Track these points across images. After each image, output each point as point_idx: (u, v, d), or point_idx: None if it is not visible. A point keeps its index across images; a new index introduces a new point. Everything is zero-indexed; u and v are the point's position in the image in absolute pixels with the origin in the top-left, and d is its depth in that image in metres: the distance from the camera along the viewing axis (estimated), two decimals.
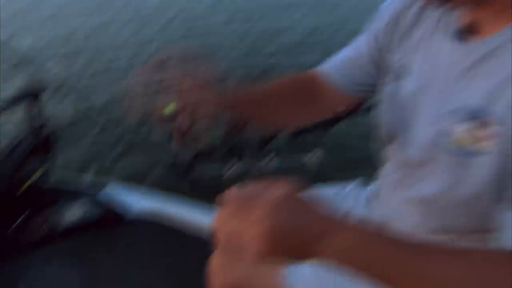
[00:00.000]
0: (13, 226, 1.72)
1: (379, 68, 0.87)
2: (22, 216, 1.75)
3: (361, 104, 1.08)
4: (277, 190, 0.56)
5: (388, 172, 0.90)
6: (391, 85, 0.83)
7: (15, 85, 2.02)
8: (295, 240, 0.53)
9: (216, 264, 0.91)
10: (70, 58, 5.93)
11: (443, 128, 0.68)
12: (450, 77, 0.70)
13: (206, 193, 0.72)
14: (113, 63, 5.72)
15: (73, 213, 1.79)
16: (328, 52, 0.98)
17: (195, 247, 1.68)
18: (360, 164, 3.01)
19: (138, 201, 1.90)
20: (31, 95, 1.98)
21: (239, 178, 1.68)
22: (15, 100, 1.93)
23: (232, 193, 0.59)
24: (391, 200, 0.89)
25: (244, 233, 0.54)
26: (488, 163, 0.64)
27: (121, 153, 3.57)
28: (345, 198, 1.04)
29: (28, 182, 1.89)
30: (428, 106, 0.73)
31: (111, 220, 1.84)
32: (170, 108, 0.75)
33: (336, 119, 1.78)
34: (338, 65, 0.93)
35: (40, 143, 2.06)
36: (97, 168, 3.36)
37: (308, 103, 0.94)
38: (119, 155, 3.55)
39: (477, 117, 0.64)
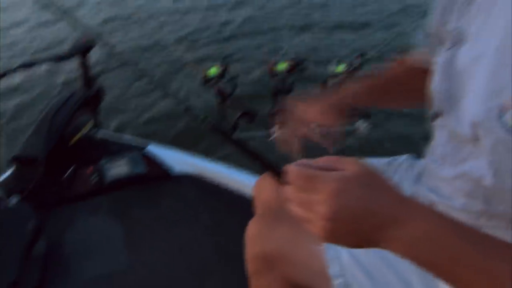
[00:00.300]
0: (63, 177, 1.79)
1: (438, 37, 0.81)
2: (71, 168, 1.81)
3: None
4: (348, 167, 0.51)
5: (436, 146, 0.84)
6: (447, 53, 0.75)
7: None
8: (362, 225, 0.49)
9: (253, 232, 0.90)
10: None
11: (500, 103, 0.60)
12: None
13: (250, 155, 0.70)
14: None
15: (120, 167, 1.84)
16: None
17: (236, 210, 1.70)
18: (408, 138, 2.91)
19: (181, 161, 1.93)
20: (83, 50, 2.02)
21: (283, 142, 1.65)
22: (68, 54, 1.97)
23: (297, 167, 0.54)
24: (438, 177, 0.83)
25: (308, 212, 0.51)
26: None
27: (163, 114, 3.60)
28: (393, 172, 0.99)
29: (78, 135, 1.95)
30: (484, 77, 0.65)
31: (156, 176, 1.87)
32: None
33: None
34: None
35: (90, 97, 2.11)
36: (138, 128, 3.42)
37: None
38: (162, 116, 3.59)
39: None
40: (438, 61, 0.77)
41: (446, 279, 0.49)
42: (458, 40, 0.73)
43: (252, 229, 0.90)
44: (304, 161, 0.55)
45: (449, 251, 0.47)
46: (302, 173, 0.52)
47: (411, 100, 0.96)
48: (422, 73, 0.88)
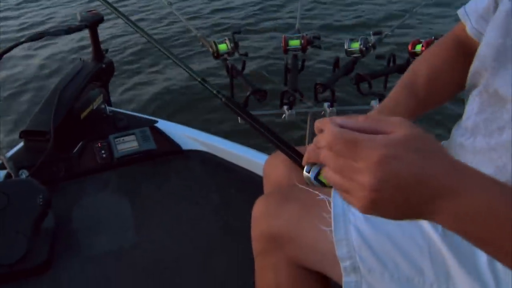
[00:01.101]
0: (72, 152, 1.78)
1: None
2: (80, 143, 1.81)
3: None
4: (395, 129, 0.45)
5: (467, 119, 0.79)
6: (506, 4, 0.71)
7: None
8: (411, 196, 0.44)
9: (260, 210, 0.88)
10: None
11: None
12: None
13: (263, 132, 0.69)
14: None
15: (129, 142, 1.83)
16: None
17: (245, 188, 1.69)
18: (425, 118, 2.85)
19: (191, 137, 1.91)
20: (92, 22, 1.99)
21: (295, 121, 1.63)
22: (79, 27, 1.95)
23: (336, 128, 0.46)
24: (468, 151, 0.78)
25: (347, 180, 0.46)
26: None
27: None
28: None
29: (89, 109, 1.94)
30: None
31: (165, 152, 1.87)
32: None
33: (398, 70, 1.66)
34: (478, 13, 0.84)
35: (101, 70, 2.10)
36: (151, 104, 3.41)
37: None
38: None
39: None
40: (498, 14, 0.72)
41: (499, 253, 0.45)
42: None
43: (260, 207, 0.88)
44: (343, 119, 0.48)
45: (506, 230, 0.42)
46: (342, 136, 0.45)
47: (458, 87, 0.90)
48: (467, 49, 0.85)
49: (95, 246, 1.49)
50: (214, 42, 1.70)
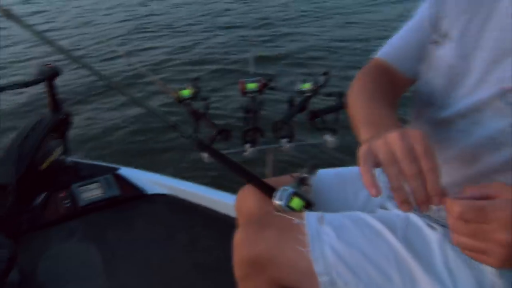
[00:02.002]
0: (35, 204, 1.76)
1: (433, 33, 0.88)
2: (43, 194, 1.79)
3: None
4: (504, 192, 0.56)
5: None
6: (442, 48, 0.85)
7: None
8: None
9: (240, 238, 0.94)
10: None
11: (505, 87, 0.73)
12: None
13: (234, 168, 0.74)
14: None
15: (92, 190, 1.84)
16: None
17: (211, 226, 1.73)
18: None
19: (155, 182, 1.95)
20: (49, 76, 2.02)
21: (257, 158, 1.72)
22: (35, 80, 1.97)
23: (462, 201, 0.57)
24: None
25: (482, 241, 0.56)
26: None
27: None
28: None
29: (49, 160, 1.94)
30: (486, 65, 0.77)
31: (130, 198, 1.88)
32: None
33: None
34: (402, 47, 0.94)
35: (59, 121, 2.11)
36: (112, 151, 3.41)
37: (395, 96, 0.94)
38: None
39: None
40: (438, 56, 0.86)
41: None
42: (451, 36, 0.82)
43: (239, 235, 0.94)
44: (463, 194, 0.59)
45: None
46: (470, 205, 0.56)
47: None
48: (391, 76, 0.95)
49: None
50: (177, 89, 1.77)
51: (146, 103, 0.91)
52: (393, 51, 0.96)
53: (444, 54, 0.85)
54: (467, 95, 0.81)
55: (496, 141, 0.76)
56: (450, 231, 0.60)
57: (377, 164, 0.62)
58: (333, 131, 1.73)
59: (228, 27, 6.83)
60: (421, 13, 0.90)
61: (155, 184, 1.94)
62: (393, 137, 0.61)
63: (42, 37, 1.31)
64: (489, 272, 0.80)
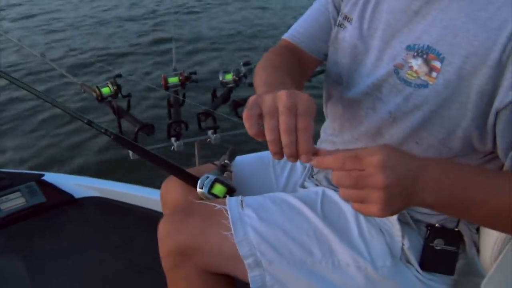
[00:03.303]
0: None
1: (338, 16, 0.95)
2: None
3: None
4: (372, 152, 0.60)
5: (332, 122, 1.00)
6: (346, 30, 0.92)
7: None
8: (406, 183, 0.59)
9: (165, 229, 0.94)
10: None
11: (396, 63, 0.80)
12: (401, 17, 0.81)
13: (155, 160, 0.74)
14: None
15: (14, 200, 1.75)
16: None
17: (143, 224, 1.71)
18: None
19: (82, 185, 1.89)
20: None
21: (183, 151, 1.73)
22: None
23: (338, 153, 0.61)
24: (337, 145, 0.97)
25: (363, 188, 0.59)
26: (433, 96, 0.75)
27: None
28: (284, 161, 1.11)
29: None
30: (381, 44, 0.84)
31: (57, 204, 1.81)
32: None
33: None
34: (308, 28, 1.00)
35: None
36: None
37: (303, 74, 0.99)
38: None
39: (427, 52, 0.76)
40: (342, 38, 0.92)
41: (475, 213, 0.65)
42: (351, 18, 0.90)
43: (164, 227, 0.94)
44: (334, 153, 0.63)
45: (465, 180, 0.62)
46: (344, 154, 0.61)
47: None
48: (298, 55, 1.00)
49: None
50: (97, 87, 1.73)
51: (51, 98, 0.87)
52: (299, 32, 1.01)
53: (347, 35, 0.92)
54: (369, 73, 0.87)
55: (395, 115, 0.82)
56: (339, 189, 0.64)
57: (261, 115, 0.66)
58: (214, 128, 1.78)
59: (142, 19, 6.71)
60: None
61: (84, 188, 1.88)
62: (281, 94, 0.65)
63: None
64: (396, 235, 0.87)
